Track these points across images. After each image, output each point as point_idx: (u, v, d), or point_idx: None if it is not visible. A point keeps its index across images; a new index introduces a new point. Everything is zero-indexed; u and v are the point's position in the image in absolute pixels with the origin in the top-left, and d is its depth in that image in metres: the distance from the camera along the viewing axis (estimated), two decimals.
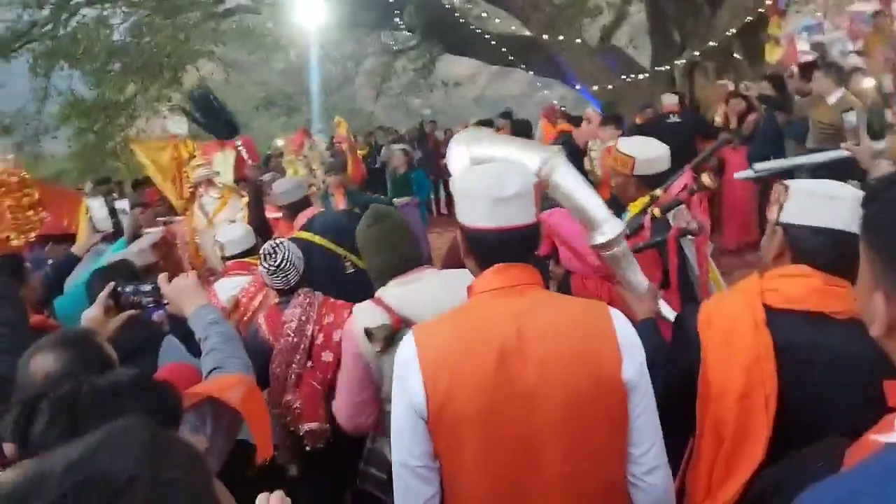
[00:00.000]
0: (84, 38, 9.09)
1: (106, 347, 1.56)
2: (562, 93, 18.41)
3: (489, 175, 1.42)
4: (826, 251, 1.38)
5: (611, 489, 1.39)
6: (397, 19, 11.43)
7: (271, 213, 4.71)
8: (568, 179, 1.71)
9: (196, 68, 11.95)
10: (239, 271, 3.22)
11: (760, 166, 3.39)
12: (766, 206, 1.56)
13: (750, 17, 8.73)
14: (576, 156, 7.25)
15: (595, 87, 10.20)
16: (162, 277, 1.94)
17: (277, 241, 2.60)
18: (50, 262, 3.44)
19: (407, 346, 1.38)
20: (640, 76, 9.78)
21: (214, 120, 4.63)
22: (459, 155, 1.74)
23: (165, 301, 1.95)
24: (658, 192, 2.36)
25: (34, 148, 10.87)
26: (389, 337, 1.91)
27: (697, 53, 9.08)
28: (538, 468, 1.32)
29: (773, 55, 8.56)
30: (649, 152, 2.53)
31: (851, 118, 3.19)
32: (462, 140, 1.79)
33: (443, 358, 1.33)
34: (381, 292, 2.09)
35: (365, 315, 2.01)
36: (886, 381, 0.91)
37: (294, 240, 3.29)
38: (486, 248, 1.41)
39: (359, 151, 9.95)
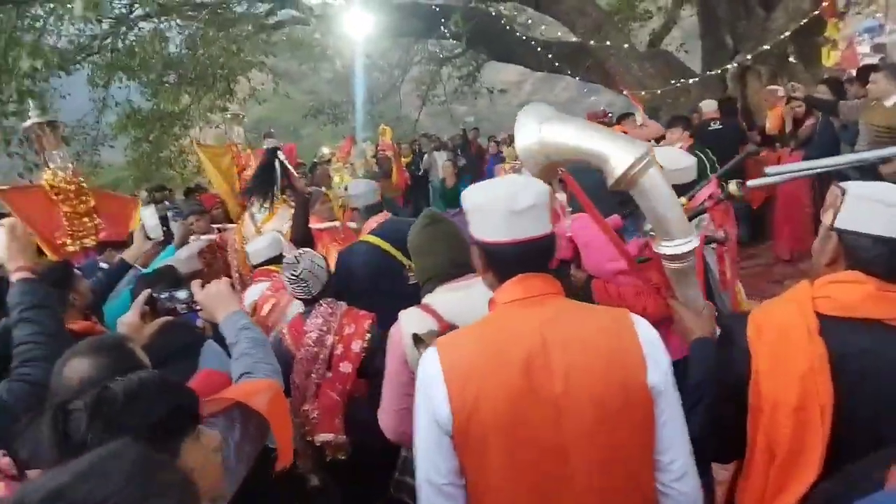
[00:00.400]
0: (141, 50, 9.41)
1: (138, 353, 1.60)
2: (609, 99, 18.21)
3: (502, 188, 1.42)
4: (884, 260, 1.34)
5: (641, 498, 1.37)
6: (443, 28, 11.48)
7: (315, 225, 4.77)
8: (657, 183, 1.62)
9: (248, 79, 12.27)
10: (262, 278, 3.28)
11: (773, 170, 3.28)
12: (822, 212, 1.51)
13: (805, 20, 8.44)
14: None
15: (643, 93, 10.02)
16: (195, 284, 1.98)
17: (301, 251, 2.64)
18: (102, 267, 3.54)
19: (431, 361, 1.36)
20: (691, 81, 9.55)
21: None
22: (529, 130, 1.67)
23: (199, 307, 1.99)
24: (683, 200, 2.31)
25: (92, 157, 11.29)
26: None
27: (750, 57, 8.82)
28: (568, 480, 1.31)
29: (829, 59, 8.26)
30: (675, 163, 2.50)
31: None
32: (532, 114, 1.70)
33: (468, 371, 1.32)
34: (429, 298, 2.07)
35: (412, 321, 1.99)
36: None
37: (362, 243, 3.38)
38: (504, 262, 1.41)
39: (403, 159, 10.07)
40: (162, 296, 2.03)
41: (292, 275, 2.51)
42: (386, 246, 3.36)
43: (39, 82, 8.88)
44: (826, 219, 1.46)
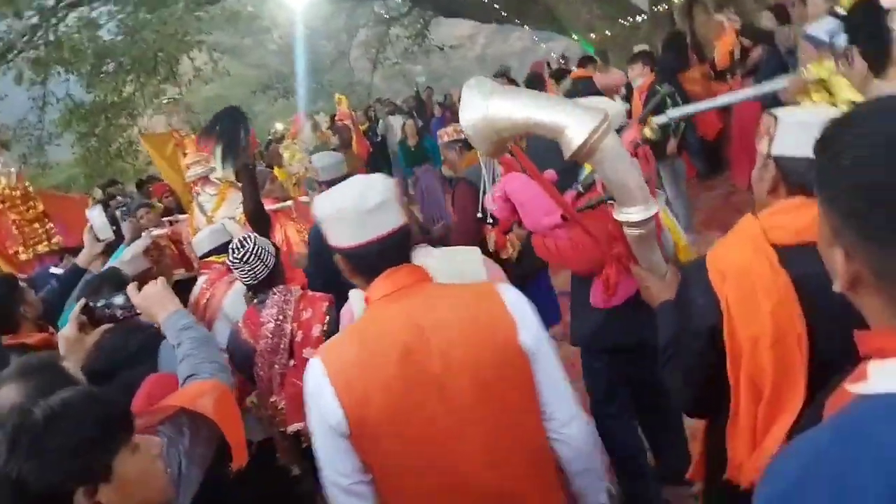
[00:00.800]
0: (69, 41, 9.03)
1: (71, 370, 1.54)
2: (565, 44, 18.00)
3: (349, 192, 1.44)
4: None
5: (536, 453, 1.45)
6: None
7: (267, 207, 4.62)
8: (616, 151, 1.59)
9: (191, 59, 11.88)
10: (204, 271, 3.16)
11: (673, 112, 3.26)
12: (757, 141, 1.50)
13: None
14: None
15: (593, 35, 9.92)
16: (131, 287, 1.90)
17: (246, 235, 2.54)
18: (56, 274, 3.42)
19: (315, 369, 1.37)
20: (639, 19, 9.46)
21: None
22: (474, 107, 1.59)
23: (138, 311, 1.92)
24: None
25: (40, 157, 10.94)
26: None
27: None
28: (463, 450, 1.37)
29: None
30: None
31: (818, 32, 3.03)
32: (477, 88, 1.61)
33: (352, 371, 1.35)
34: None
35: (360, 298, 1.94)
36: (857, 332, 0.86)
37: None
38: (368, 263, 1.44)
39: (359, 126, 9.90)
40: (98, 304, 1.94)
41: (235, 258, 2.40)
42: None
43: None
44: (762, 147, 1.46)
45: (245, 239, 2.45)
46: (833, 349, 1.24)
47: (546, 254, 2.37)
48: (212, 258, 3.22)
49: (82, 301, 1.94)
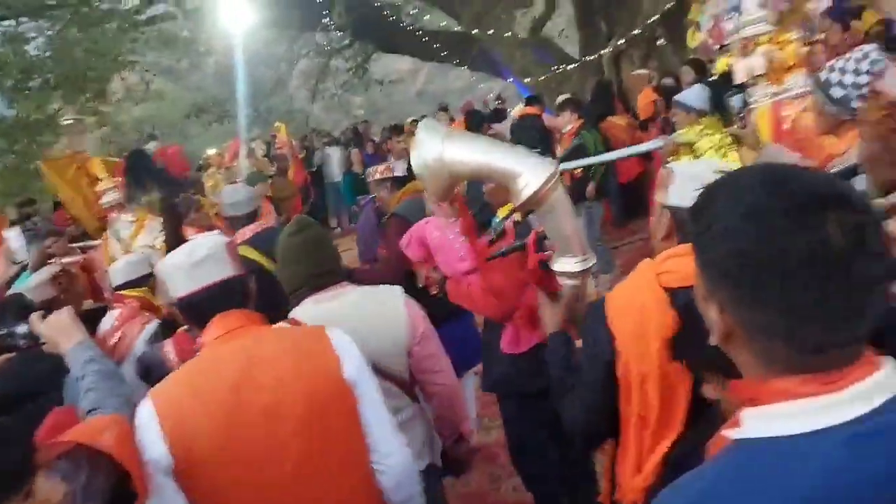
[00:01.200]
0: None
1: None
2: (504, 85, 18.52)
3: (181, 250, 1.64)
4: None
5: (362, 477, 1.57)
6: (328, 20, 11.30)
7: (191, 234, 4.52)
8: (562, 202, 1.70)
9: (122, 78, 11.59)
10: (117, 304, 3.02)
11: (565, 165, 3.57)
12: (656, 192, 1.64)
13: (671, 4, 8.90)
14: (545, 139, 7.26)
15: (527, 80, 10.29)
16: (35, 317, 1.85)
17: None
18: None
19: (144, 409, 1.44)
20: (570, 67, 9.90)
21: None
22: (429, 148, 1.64)
23: (42, 341, 1.87)
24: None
25: None
26: None
27: (622, 42, 9.24)
28: (289, 480, 1.47)
29: (693, 40, 8.71)
30: None
31: (736, 101, 3.36)
32: (433, 131, 1.67)
33: (180, 410, 1.43)
34: (295, 313, 2.00)
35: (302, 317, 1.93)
36: (732, 381, 0.91)
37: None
38: (199, 309, 1.58)
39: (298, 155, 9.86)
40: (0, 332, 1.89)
41: None
42: (258, 257, 3.18)
43: None
44: (659, 197, 1.58)
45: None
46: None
47: (458, 298, 2.44)
48: (126, 291, 3.06)
49: None
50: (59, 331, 1.76)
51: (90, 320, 2.56)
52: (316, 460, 1.49)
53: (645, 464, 1.47)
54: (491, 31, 10.57)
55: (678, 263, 1.46)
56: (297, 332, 1.68)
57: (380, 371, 1.91)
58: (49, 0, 8.96)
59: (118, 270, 3.10)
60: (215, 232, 4.69)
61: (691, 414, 1.42)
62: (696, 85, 5.08)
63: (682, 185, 1.50)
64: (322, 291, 2.01)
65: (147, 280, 3.04)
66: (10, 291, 3.14)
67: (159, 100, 12.44)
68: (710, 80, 5.05)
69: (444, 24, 13.73)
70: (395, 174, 3.75)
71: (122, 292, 3.01)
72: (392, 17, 12.05)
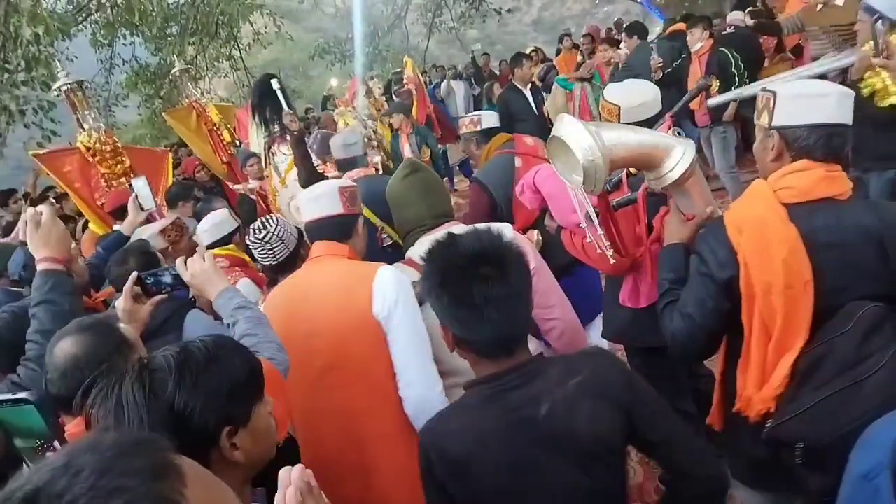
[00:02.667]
0: (139, 4, 9.26)
1: (123, 330, 1.61)
2: (626, 7, 17.46)
3: (307, 190, 2.07)
4: (822, 144, 1.54)
5: (391, 402, 1.80)
6: None
7: (328, 172, 4.41)
8: (700, 181, 1.84)
9: (251, 23, 12.02)
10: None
11: (720, 98, 3.23)
12: (755, 118, 1.69)
13: None
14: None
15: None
16: (179, 262, 1.86)
17: (269, 216, 2.48)
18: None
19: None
20: None
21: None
22: (588, 143, 1.65)
23: (187, 286, 1.91)
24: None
25: (107, 118, 11.31)
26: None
27: None
28: (330, 387, 1.80)
29: None
30: (634, 98, 2.38)
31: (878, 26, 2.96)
32: (579, 126, 1.69)
33: (272, 310, 1.90)
34: (411, 252, 2.04)
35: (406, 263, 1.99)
36: None
37: None
38: (310, 234, 2.01)
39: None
40: (147, 281, 1.94)
41: (256, 238, 2.34)
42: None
43: (45, 48, 8.85)
44: (762, 121, 1.63)
45: (267, 220, 2.40)
46: (836, 295, 1.48)
47: (574, 250, 2.39)
48: (216, 250, 3.07)
49: (134, 275, 1.94)
50: (204, 279, 1.80)
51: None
52: (337, 373, 1.79)
53: (769, 374, 1.52)
54: None
55: (796, 179, 1.55)
56: (352, 268, 1.93)
57: None
58: None
59: (204, 231, 3.16)
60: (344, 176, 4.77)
61: (814, 327, 1.47)
62: None
63: (789, 104, 1.57)
64: (435, 230, 2.04)
65: (233, 237, 3.13)
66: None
67: (284, 42, 12.81)
68: None
69: None
70: (482, 127, 3.51)
71: (213, 251, 3.05)
72: None
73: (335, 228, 1.98)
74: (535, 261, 1.98)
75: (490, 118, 3.60)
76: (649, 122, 2.27)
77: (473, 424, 1.34)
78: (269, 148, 4.60)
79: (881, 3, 3.36)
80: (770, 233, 1.51)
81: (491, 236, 1.39)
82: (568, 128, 1.70)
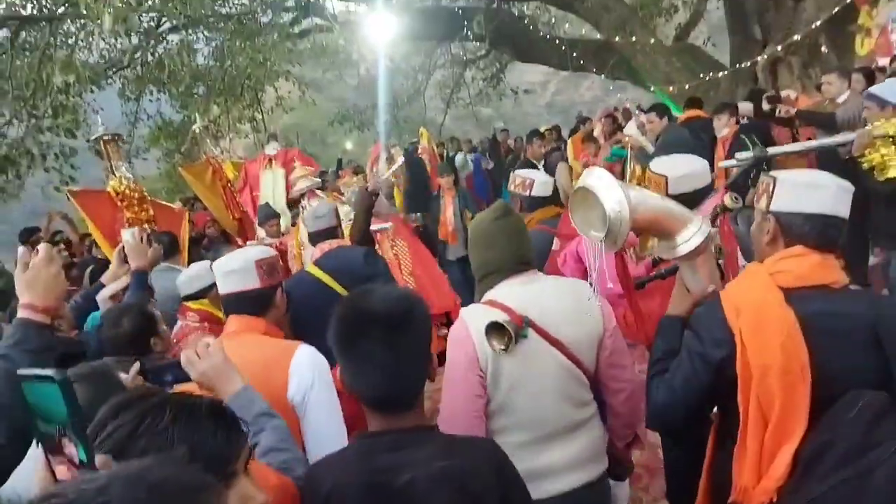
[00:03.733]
0: (170, 62, 9.59)
1: (122, 378, 1.59)
2: (636, 95, 17.99)
3: (223, 259, 2.10)
4: (816, 233, 1.59)
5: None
6: (466, 30, 11.50)
7: (376, 225, 4.49)
8: (710, 259, 1.89)
9: (275, 88, 12.41)
10: (180, 315, 3.05)
11: (742, 155, 3.52)
12: (755, 201, 1.74)
13: (837, 8, 8.24)
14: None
15: (671, 88, 9.89)
16: (184, 358, 1.65)
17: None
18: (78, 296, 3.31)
19: None
20: (720, 74, 9.40)
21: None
22: (617, 196, 1.67)
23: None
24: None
25: (126, 170, 11.51)
26: (515, 333, 1.83)
27: (780, 48, 8.65)
28: None
29: (863, 47, 8.04)
30: (681, 169, 2.39)
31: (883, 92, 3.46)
32: (608, 179, 1.72)
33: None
34: (492, 294, 2.00)
35: (478, 316, 1.92)
36: None
37: (304, 273, 3.17)
38: (226, 306, 2.06)
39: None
40: (150, 374, 1.83)
41: None
42: (324, 277, 3.06)
43: (73, 97, 9.11)
44: (761, 205, 1.68)
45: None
46: (832, 382, 1.47)
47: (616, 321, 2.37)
48: (191, 303, 3.08)
49: (137, 365, 1.81)
50: (216, 375, 1.60)
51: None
52: None
53: (766, 463, 1.50)
54: (633, 39, 10.28)
55: (790, 264, 1.59)
56: (269, 347, 1.92)
57: (574, 359, 1.92)
58: (219, 9, 9.74)
59: (182, 283, 3.14)
60: (387, 224, 4.70)
61: (813, 415, 1.46)
62: (892, 78, 4.69)
63: (787, 191, 1.61)
64: (517, 276, 2.02)
65: (209, 291, 3.06)
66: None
67: (306, 108, 13.20)
68: None
69: (583, 31, 13.54)
70: (533, 193, 3.46)
71: (188, 304, 3.07)
72: (530, 26, 12.04)
73: (252, 302, 2.01)
74: (614, 320, 2.01)
75: (544, 186, 3.52)
76: (698, 195, 2.30)
77: (339, 476, 1.36)
78: (299, 202, 4.66)
79: (887, 92, 3.76)
80: (768, 315, 1.52)
81: (399, 299, 1.43)
82: (597, 179, 1.70)
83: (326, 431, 1.79)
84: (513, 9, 12.84)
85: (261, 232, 5.56)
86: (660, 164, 2.47)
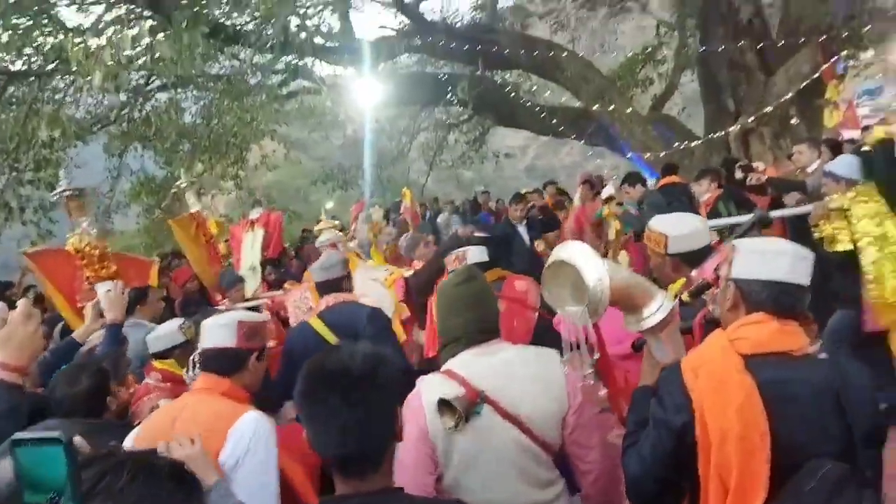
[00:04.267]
0: (157, 120, 9.68)
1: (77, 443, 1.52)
2: (614, 162, 18.48)
3: (214, 316, 2.18)
4: (773, 299, 1.60)
5: None
6: (450, 95, 11.81)
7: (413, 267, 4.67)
8: (676, 331, 1.87)
9: (259, 146, 12.54)
10: (147, 373, 3.00)
11: (712, 222, 3.78)
12: (719, 267, 1.79)
13: (805, 83, 8.65)
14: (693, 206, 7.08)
15: (647, 155, 10.18)
16: (162, 448, 1.71)
17: None
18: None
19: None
20: (693, 144, 9.72)
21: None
22: (597, 267, 1.68)
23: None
24: (694, 272, 2.25)
25: (104, 224, 11.44)
26: (466, 411, 1.76)
27: (752, 120, 9.00)
28: None
29: (832, 120, 8.41)
30: (682, 228, 2.35)
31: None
32: (587, 252, 1.74)
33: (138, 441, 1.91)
34: (452, 364, 1.94)
35: (434, 387, 1.86)
36: None
37: (304, 324, 3.16)
38: (201, 362, 2.08)
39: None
40: None
41: None
42: (324, 331, 3.05)
43: (57, 152, 9.10)
44: (723, 271, 1.72)
45: None
46: (791, 450, 1.46)
47: (614, 382, 2.33)
48: (157, 361, 3.05)
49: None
50: (192, 468, 1.57)
51: None
52: None
53: None
54: (611, 108, 10.63)
55: (750, 331, 1.59)
56: (220, 408, 1.92)
57: (532, 436, 1.84)
58: (209, 69, 9.92)
59: (151, 340, 3.13)
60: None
61: (774, 483, 1.43)
62: (845, 155, 4.97)
63: (749, 259, 1.64)
64: (479, 345, 1.96)
65: (173, 351, 3.06)
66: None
67: (290, 166, 13.34)
68: (864, 149, 4.88)
69: (563, 99, 13.98)
70: (467, 262, 3.44)
71: (154, 362, 3.05)
72: (512, 93, 12.42)
73: (223, 361, 2.04)
74: (582, 395, 1.88)
75: (478, 253, 3.53)
76: (696, 255, 2.27)
77: None
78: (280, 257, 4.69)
79: (840, 169, 4.15)
80: (726, 379, 1.52)
81: (365, 358, 1.40)
82: (574, 251, 1.71)
83: (253, 501, 1.72)
84: (496, 76, 13.26)
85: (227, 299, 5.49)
86: (660, 223, 2.44)
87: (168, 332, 3.12)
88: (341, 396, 1.34)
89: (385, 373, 1.41)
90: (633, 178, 6.80)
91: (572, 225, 7.63)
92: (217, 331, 2.07)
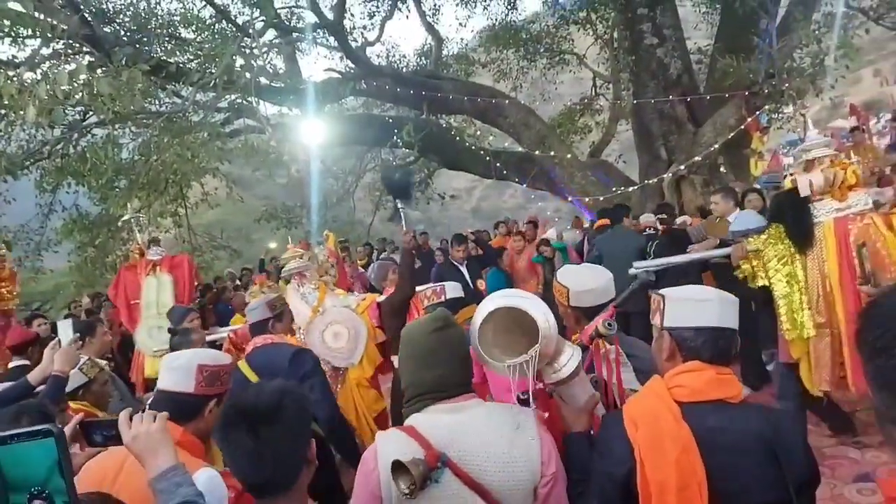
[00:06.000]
0: (93, 156, 9.42)
1: None
2: (556, 205, 18.93)
3: (173, 353, 2.17)
4: (708, 346, 1.62)
5: None
6: (396, 137, 11.95)
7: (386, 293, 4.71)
8: (584, 380, 1.91)
9: (201, 184, 12.30)
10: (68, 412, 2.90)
11: (639, 264, 4.15)
12: (651, 318, 1.79)
13: (732, 134, 9.15)
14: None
15: (587, 199, 10.50)
16: (123, 421, 1.60)
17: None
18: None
19: None
20: (630, 189, 10.09)
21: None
22: (543, 310, 1.76)
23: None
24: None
25: (35, 262, 10.96)
26: (423, 477, 1.58)
27: (683, 168, 9.43)
28: None
29: (757, 168, 8.89)
30: (583, 283, 2.30)
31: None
32: (534, 299, 1.80)
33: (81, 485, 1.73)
34: (416, 420, 1.75)
35: (392, 446, 1.70)
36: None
37: (235, 369, 3.11)
38: (155, 403, 2.01)
39: (359, 261, 10.12)
40: (94, 435, 1.78)
41: None
42: (249, 373, 3.07)
43: None
44: (656, 321, 1.73)
45: None
46: (730, 499, 1.48)
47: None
48: (73, 402, 3.05)
49: (79, 418, 1.87)
50: (148, 445, 1.55)
51: None
52: None
53: None
54: (552, 153, 10.96)
55: (686, 378, 1.61)
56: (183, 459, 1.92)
57: None
58: (149, 106, 9.76)
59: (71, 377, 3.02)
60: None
61: None
62: (743, 212, 5.59)
63: (678, 307, 1.67)
64: (448, 401, 1.77)
65: (78, 391, 3.14)
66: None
67: (232, 205, 13.14)
68: (780, 192, 5.24)
69: (506, 144, 14.31)
70: (446, 297, 3.50)
71: (69, 402, 3.01)
72: (457, 136, 12.66)
73: (178, 407, 1.96)
74: (557, 464, 1.73)
75: (454, 289, 3.59)
76: (597, 310, 2.20)
77: None
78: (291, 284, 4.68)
79: (738, 225, 4.80)
80: (664, 430, 1.52)
81: (271, 393, 1.55)
82: (520, 297, 1.76)
83: None
84: (441, 120, 13.52)
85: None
86: (565, 275, 2.40)
87: (75, 372, 3.09)
88: (247, 430, 1.49)
89: (290, 405, 1.55)
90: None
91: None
92: (174, 374, 2.01)
